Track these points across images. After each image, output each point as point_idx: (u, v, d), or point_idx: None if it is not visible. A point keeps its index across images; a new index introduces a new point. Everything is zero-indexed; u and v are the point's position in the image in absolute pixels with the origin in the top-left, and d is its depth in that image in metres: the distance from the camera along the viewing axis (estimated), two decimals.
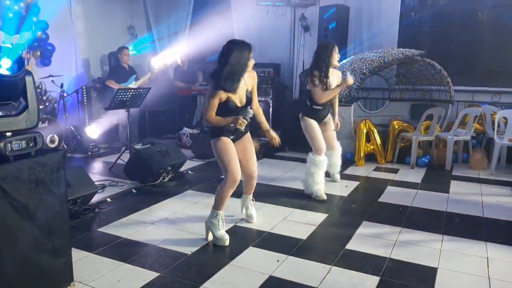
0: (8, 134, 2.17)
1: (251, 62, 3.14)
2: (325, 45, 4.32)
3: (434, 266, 2.88)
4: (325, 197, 4.33)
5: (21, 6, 6.51)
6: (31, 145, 2.25)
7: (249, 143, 3.44)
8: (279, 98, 7.90)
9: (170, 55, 7.48)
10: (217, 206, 3.30)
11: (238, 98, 3.17)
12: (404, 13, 7.14)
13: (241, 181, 3.38)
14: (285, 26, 7.92)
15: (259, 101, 8.21)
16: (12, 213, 2.12)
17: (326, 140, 4.54)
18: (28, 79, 2.23)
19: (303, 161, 6.07)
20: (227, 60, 3.01)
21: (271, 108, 7.64)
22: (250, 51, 3.10)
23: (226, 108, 3.13)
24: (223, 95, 3.08)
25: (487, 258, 3.02)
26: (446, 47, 7.01)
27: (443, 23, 7.07)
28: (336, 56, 4.25)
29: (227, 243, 3.22)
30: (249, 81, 3.26)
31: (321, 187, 4.38)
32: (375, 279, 2.70)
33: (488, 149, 5.93)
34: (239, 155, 3.34)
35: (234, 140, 3.31)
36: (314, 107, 4.41)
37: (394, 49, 6.22)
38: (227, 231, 3.34)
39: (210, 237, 3.32)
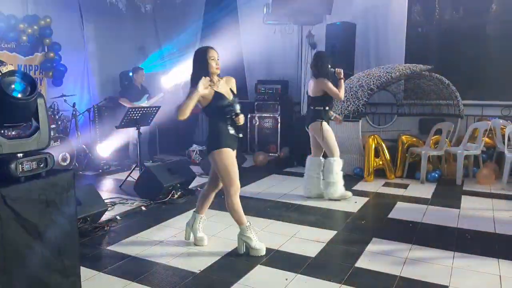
0: (20, 155, 2.21)
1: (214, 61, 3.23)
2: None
3: (445, 284, 2.83)
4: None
5: (35, 28, 6.71)
6: (41, 165, 2.30)
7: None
8: (287, 114, 8.11)
9: (180, 75, 7.58)
10: (240, 222, 3.32)
11: (225, 93, 3.27)
12: (411, 28, 7.17)
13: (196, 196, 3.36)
14: (293, 43, 8.03)
15: (267, 117, 8.35)
16: (23, 234, 2.15)
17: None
18: (39, 101, 2.29)
19: None
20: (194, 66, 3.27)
21: (279, 124, 7.88)
22: (206, 53, 3.22)
23: (219, 104, 3.22)
24: (204, 90, 3.12)
25: (500, 276, 2.96)
26: (454, 61, 6.97)
27: (450, 37, 7.07)
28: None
29: (264, 252, 3.31)
30: (229, 81, 3.41)
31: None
32: None
33: (499, 163, 5.86)
34: None
35: (234, 148, 3.30)
36: None
37: (401, 64, 6.23)
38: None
39: (244, 249, 3.36)
